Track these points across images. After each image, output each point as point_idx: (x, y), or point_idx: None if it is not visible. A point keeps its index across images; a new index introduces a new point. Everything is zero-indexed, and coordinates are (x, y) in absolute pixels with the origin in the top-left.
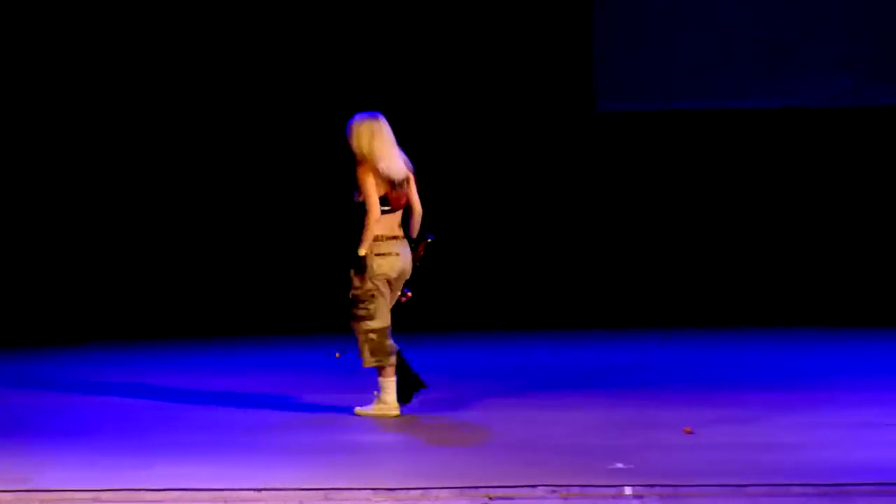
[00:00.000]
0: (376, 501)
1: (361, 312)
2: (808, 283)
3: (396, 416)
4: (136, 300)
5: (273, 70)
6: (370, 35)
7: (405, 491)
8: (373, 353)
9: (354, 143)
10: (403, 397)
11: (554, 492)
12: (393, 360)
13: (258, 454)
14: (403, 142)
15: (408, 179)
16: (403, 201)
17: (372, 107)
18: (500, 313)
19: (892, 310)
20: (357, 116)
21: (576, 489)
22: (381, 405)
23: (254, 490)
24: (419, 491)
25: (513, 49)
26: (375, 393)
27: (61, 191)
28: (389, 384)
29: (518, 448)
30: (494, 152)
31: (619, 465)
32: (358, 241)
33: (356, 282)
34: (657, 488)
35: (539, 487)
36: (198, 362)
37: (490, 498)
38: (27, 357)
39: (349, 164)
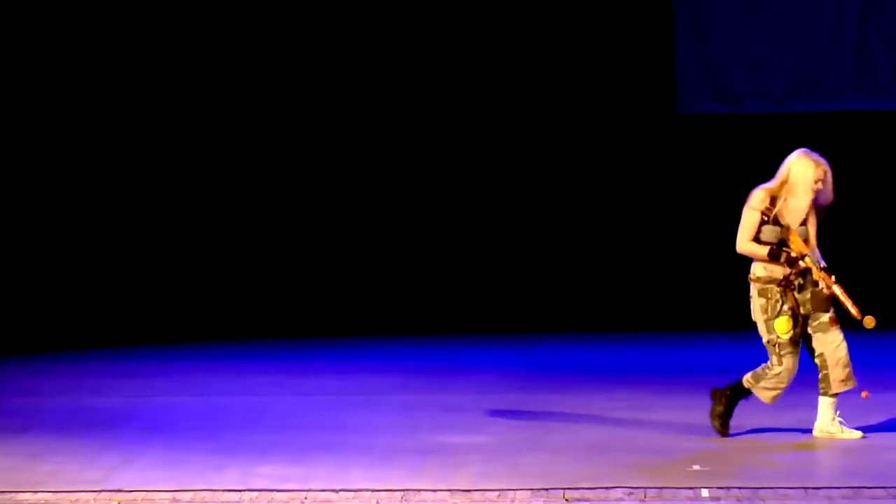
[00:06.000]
0: (453, 503)
1: None
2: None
3: None
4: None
5: None
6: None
7: (482, 493)
8: None
9: None
10: None
11: (631, 494)
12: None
13: (338, 455)
14: (490, 144)
15: None
16: None
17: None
18: (587, 314)
19: None
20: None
21: (653, 491)
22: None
23: (331, 491)
24: (496, 492)
25: (595, 50)
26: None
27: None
28: None
29: (596, 450)
30: (577, 154)
31: (696, 468)
32: None
33: None
34: (734, 490)
35: (616, 489)
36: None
37: (566, 500)
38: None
39: None
